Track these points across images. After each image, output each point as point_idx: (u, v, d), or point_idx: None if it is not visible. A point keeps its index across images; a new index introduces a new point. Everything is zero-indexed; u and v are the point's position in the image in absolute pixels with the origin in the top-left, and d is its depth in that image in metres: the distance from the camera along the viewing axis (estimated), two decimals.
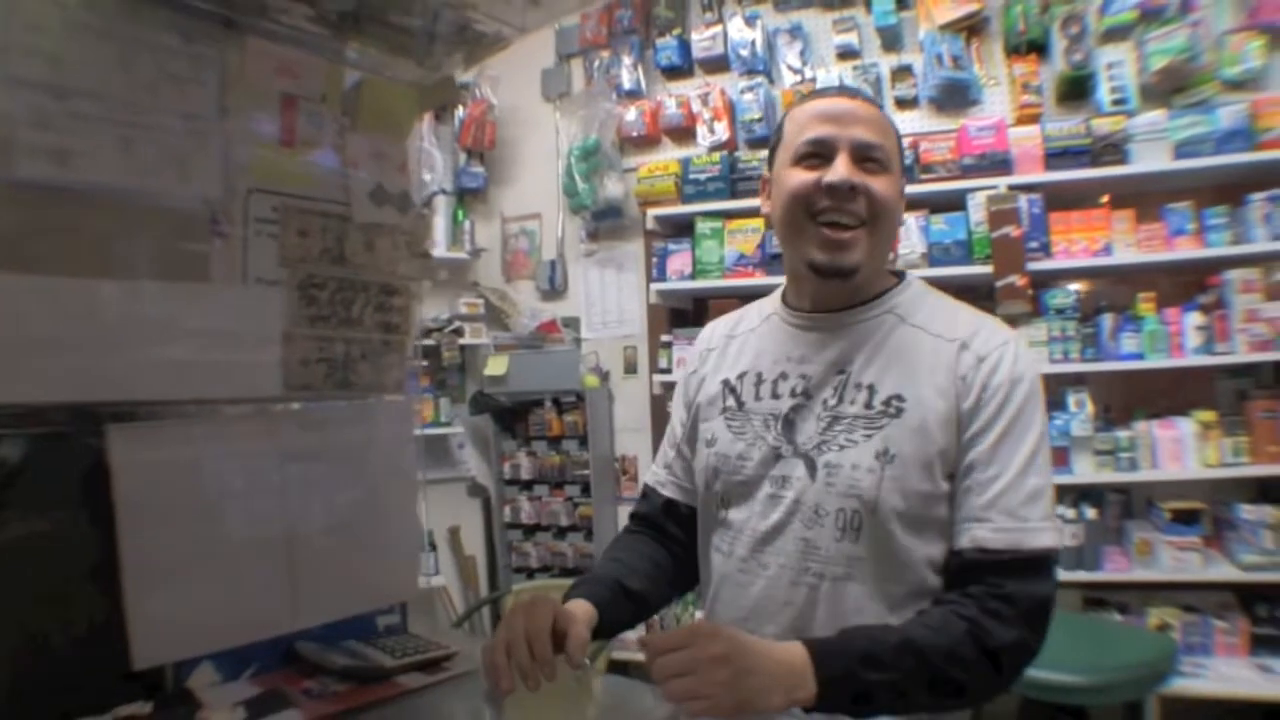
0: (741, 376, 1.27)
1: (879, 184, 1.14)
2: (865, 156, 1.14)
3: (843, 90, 1.24)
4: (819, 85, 3.58)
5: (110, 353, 0.98)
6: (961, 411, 1.11)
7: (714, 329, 1.39)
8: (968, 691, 1.04)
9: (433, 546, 3.89)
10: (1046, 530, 1.08)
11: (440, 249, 3.96)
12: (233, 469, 1.09)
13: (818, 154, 1.15)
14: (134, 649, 0.96)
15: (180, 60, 1.06)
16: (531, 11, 1.15)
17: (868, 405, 1.14)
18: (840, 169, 1.12)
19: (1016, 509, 1.07)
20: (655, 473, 1.43)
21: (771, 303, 1.32)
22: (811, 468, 1.15)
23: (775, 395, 1.21)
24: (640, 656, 1.02)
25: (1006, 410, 1.11)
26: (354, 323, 1.21)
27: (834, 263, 1.14)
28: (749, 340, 1.31)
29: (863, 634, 1.03)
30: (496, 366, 4.00)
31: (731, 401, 1.26)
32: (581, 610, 1.14)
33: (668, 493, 1.39)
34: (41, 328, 0.93)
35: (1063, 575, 3.08)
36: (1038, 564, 1.07)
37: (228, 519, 1.07)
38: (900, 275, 1.26)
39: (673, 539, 1.37)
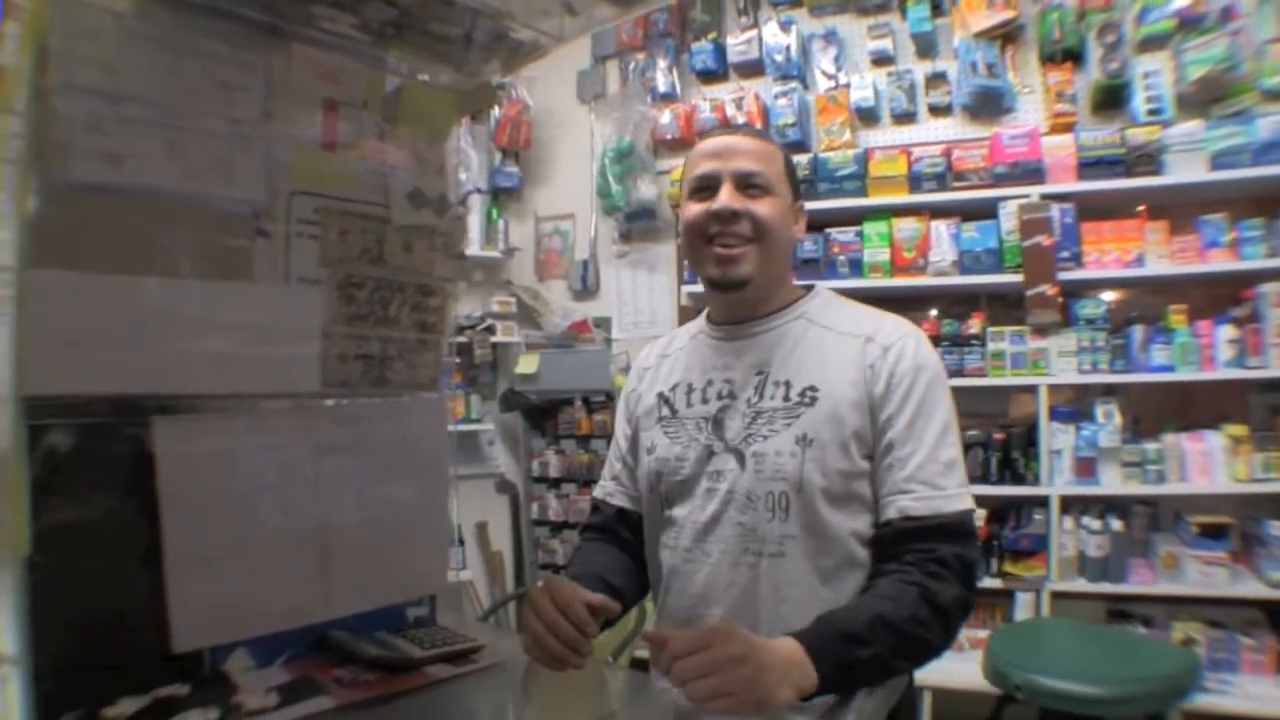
0: (674, 388, 1.40)
1: (760, 206, 1.30)
2: (747, 184, 1.31)
3: (728, 129, 1.45)
4: (851, 88, 3.60)
5: (155, 347, 1.02)
6: (873, 396, 1.25)
7: (650, 350, 1.55)
8: (930, 647, 1.17)
9: (460, 542, 3.94)
10: (962, 496, 1.23)
11: (474, 247, 4.01)
12: (271, 461, 1.12)
13: (707, 187, 1.32)
14: (174, 633, 0.99)
15: (228, 67, 1.10)
16: (568, 21, 1.17)
17: (785, 399, 1.28)
18: (723, 197, 1.29)
19: (934, 479, 1.21)
20: (604, 486, 1.54)
21: (698, 323, 1.47)
22: (741, 459, 1.28)
23: (704, 401, 1.35)
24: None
25: (915, 393, 1.25)
26: (391, 322, 1.24)
27: (727, 277, 1.31)
28: (679, 357, 1.45)
29: (837, 618, 1.13)
30: (527, 365, 4.04)
31: (666, 411, 1.39)
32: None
33: (617, 502, 1.50)
34: (90, 323, 0.97)
35: (1087, 587, 3.10)
36: (958, 526, 1.21)
37: (265, 510, 1.11)
38: (809, 287, 1.42)
39: (629, 544, 1.47)
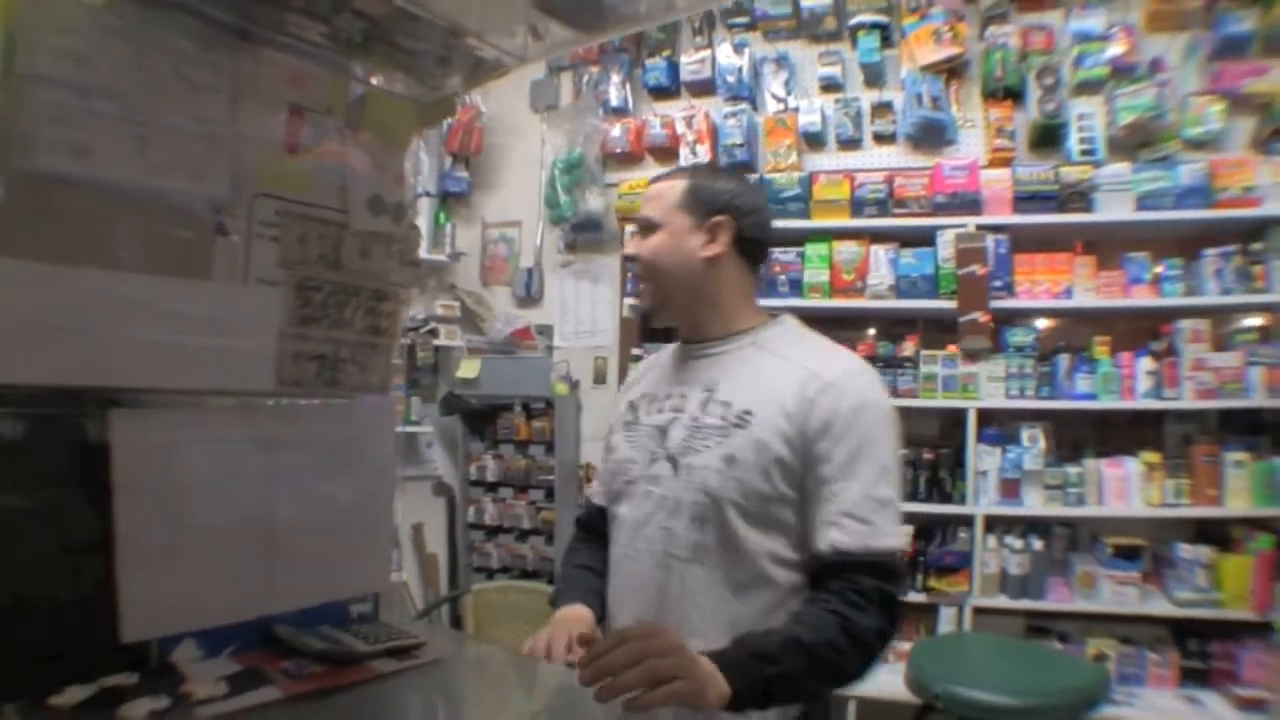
0: (641, 397, 1.52)
1: (646, 246, 1.45)
2: (641, 228, 1.48)
3: (657, 180, 1.53)
4: (800, 112, 3.69)
5: (112, 340, 1.03)
6: (808, 429, 1.30)
7: (644, 363, 1.69)
8: (844, 673, 1.23)
9: (396, 543, 3.92)
10: (893, 535, 1.28)
11: (421, 250, 4.00)
12: (223, 457, 1.14)
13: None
14: (123, 622, 1.00)
15: (197, 66, 1.11)
16: (532, 43, 1.21)
17: (723, 418, 1.36)
18: (628, 246, 1.50)
19: (867, 515, 1.26)
20: (593, 485, 1.69)
21: (676, 345, 1.58)
22: (675, 467, 1.38)
23: (660, 411, 1.46)
24: None
25: (855, 430, 1.30)
26: (345, 325, 1.26)
27: (640, 310, 1.51)
28: (654, 370, 1.59)
29: (752, 639, 1.19)
30: (469, 369, 4.05)
31: (631, 417, 1.51)
32: (588, 615, 1.44)
33: (598, 501, 1.63)
34: (44, 313, 0.97)
35: (1008, 603, 3.21)
36: (886, 563, 1.26)
37: (216, 505, 1.12)
38: (775, 314, 1.52)
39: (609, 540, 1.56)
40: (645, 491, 1.41)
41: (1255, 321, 3.19)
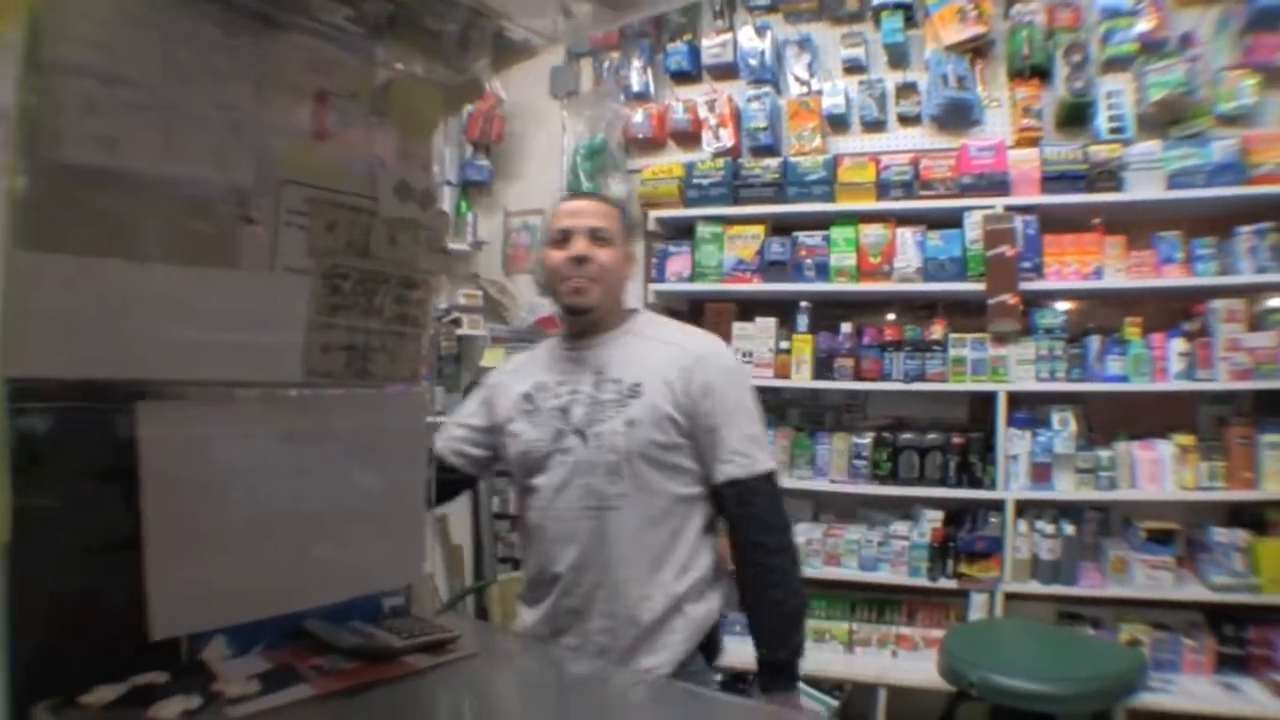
0: (534, 387, 1.80)
1: (603, 254, 1.74)
2: (595, 237, 1.75)
3: (582, 194, 1.91)
4: (823, 94, 3.63)
5: (141, 332, 1.02)
6: (692, 391, 1.68)
7: (514, 359, 2.01)
8: (795, 571, 1.75)
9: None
10: (767, 460, 1.74)
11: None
12: (252, 450, 1.12)
13: (564, 239, 1.75)
14: (152, 619, 0.99)
15: (221, 53, 1.09)
16: (562, 22, 1.19)
17: (618, 392, 1.70)
18: (578, 247, 1.73)
19: (748, 450, 1.71)
20: (439, 445, 1.92)
21: (552, 341, 1.90)
22: (583, 437, 1.69)
23: (557, 396, 1.76)
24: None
25: (726, 388, 1.72)
26: (374, 313, 1.25)
27: (577, 304, 1.75)
28: (539, 365, 1.85)
29: (770, 653, 1.71)
30: (492, 358, 4.03)
31: (529, 405, 1.79)
32: None
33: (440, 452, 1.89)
34: (74, 306, 0.96)
35: (1040, 589, 3.17)
36: (768, 480, 1.73)
37: (245, 498, 1.11)
38: (634, 311, 1.87)
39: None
40: (559, 461, 1.71)
41: None
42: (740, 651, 1.89)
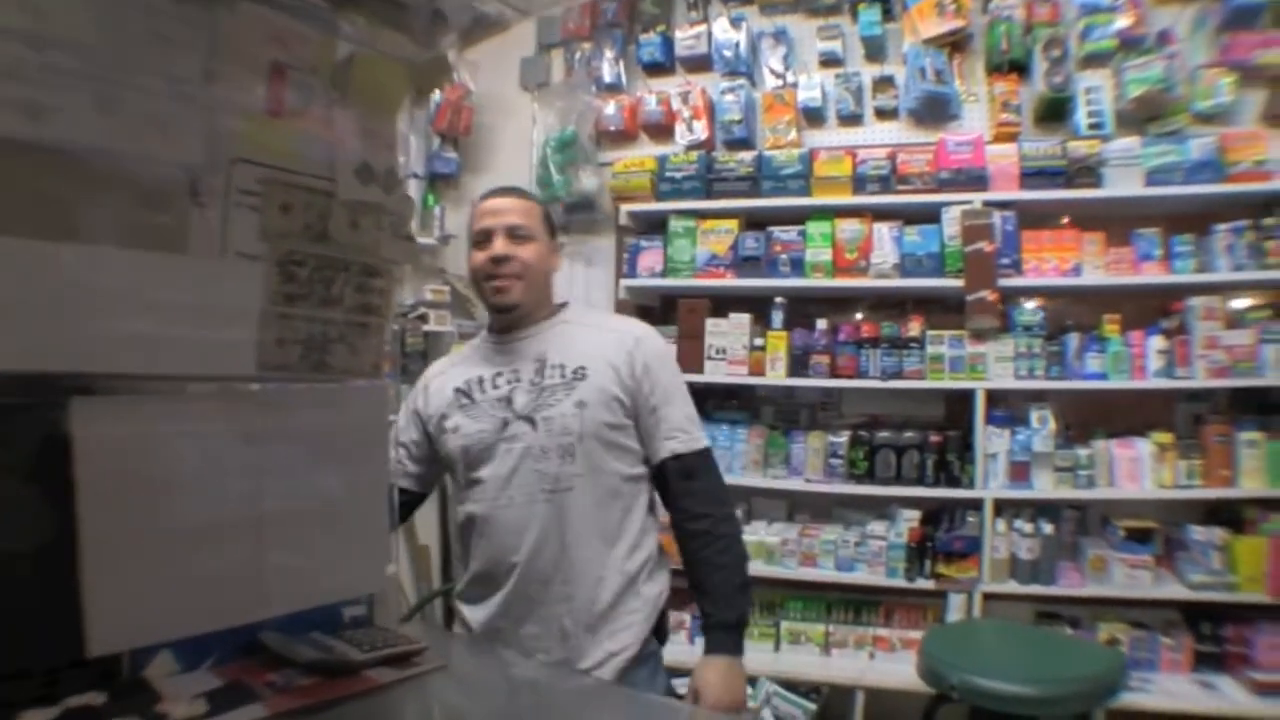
0: (468, 382, 1.84)
1: (524, 251, 1.81)
2: (513, 235, 1.80)
3: (500, 191, 1.90)
4: (799, 87, 3.59)
5: (77, 322, 0.93)
6: (635, 372, 1.78)
7: (440, 362, 2.05)
8: (747, 555, 1.86)
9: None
10: (702, 437, 1.85)
11: (413, 225, 3.89)
12: (200, 449, 1.04)
13: (485, 239, 1.82)
14: (89, 634, 0.90)
15: (168, 19, 1.01)
16: None
17: (563, 376, 1.76)
18: (498, 246, 1.79)
19: (686, 428, 1.82)
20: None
21: (479, 338, 1.96)
22: (532, 423, 1.74)
23: (495, 387, 1.81)
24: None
25: (665, 370, 1.84)
26: (333, 303, 1.16)
27: (501, 303, 1.82)
28: (468, 362, 1.90)
29: (716, 608, 1.76)
30: (451, 355, 3.94)
31: (466, 400, 1.82)
32: None
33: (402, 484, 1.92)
34: (3, 293, 0.88)
35: (1018, 588, 3.14)
36: (708, 456, 1.84)
37: (193, 501, 1.02)
38: (564, 304, 1.94)
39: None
40: (506, 450, 1.75)
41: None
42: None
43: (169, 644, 0.98)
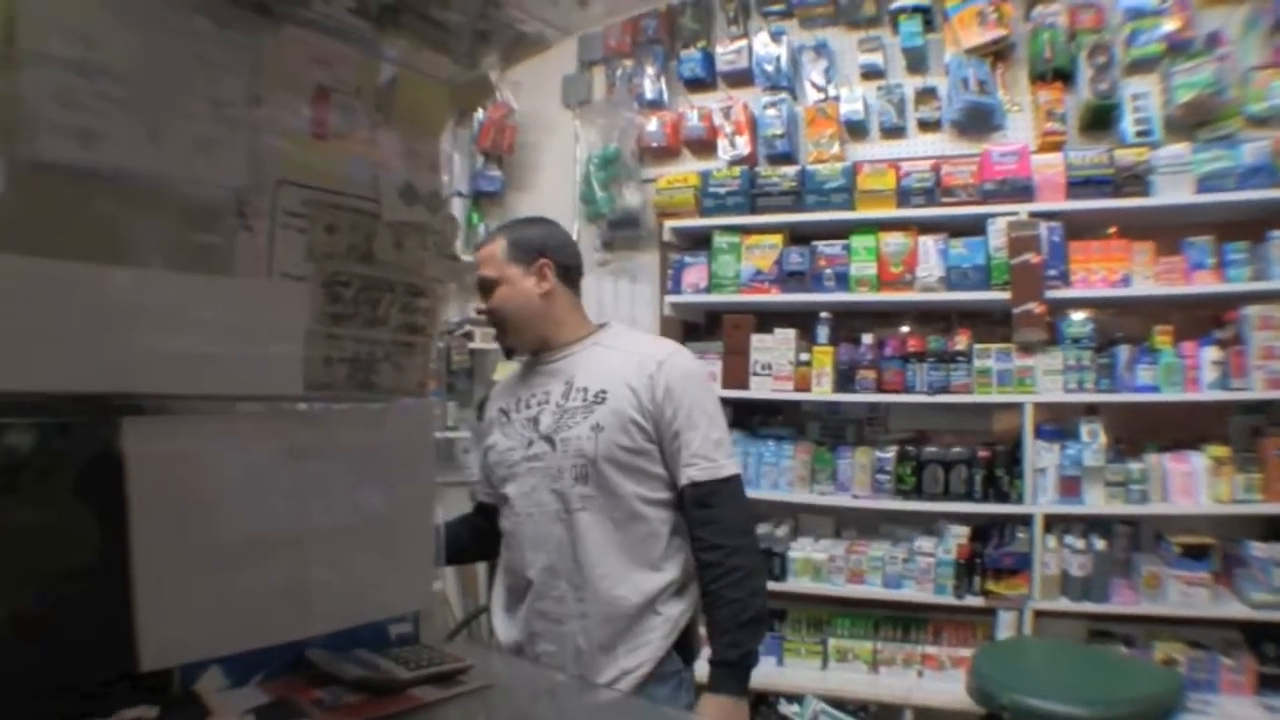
0: (509, 401, 1.91)
1: (492, 300, 1.85)
2: (483, 288, 1.87)
3: (479, 245, 1.96)
4: (841, 101, 3.58)
5: (125, 343, 0.95)
6: (656, 396, 1.75)
7: (493, 390, 2.10)
8: (759, 570, 1.80)
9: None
10: (730, 465, 1.78)
11: (457, 244, 3.93)
12: (248, 468, 1.06)
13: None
14: (142, 649, 0.92)
15: (213, 45, 1.03)
16: (576, 13, 1.12)
17: (584, 400, 1.78)
18: (479, 302, 1.90)
19: (710, 454, 1.76)
20: (474, 487, 2.11)
21: (527, 360, 1.96)
22: (552, 444, 1.78)
23: (528, 407, 1.86)
24: None
25: (689, 393, 1.78)
26: (378, 323, 1.18)
27: (502, 347, 1.98)
28: (514, 385, 1.96)
29: (718, 644, 1.71)
30: (505, 373, 3.97)
31: (504, 419, 1.89)
32: None
33: (479, 498, 2.06)
34: (54, 314, 0.90)
35: (1070, 606, 3.07)
36: (731, 484, 1.77)
37: (242, 519, 1.04)
38: (604, 325, 1.95)
39: (472, 522, 2.05)
40: (529, 469, 1.80)
41: None
42: None
43: (218, 660, 1.00)
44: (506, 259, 1.85)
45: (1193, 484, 3.04)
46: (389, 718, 0.96)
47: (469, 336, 4.01)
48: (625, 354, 1.83)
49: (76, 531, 0.93)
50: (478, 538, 2.00)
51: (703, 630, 1.81)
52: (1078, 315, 3.28)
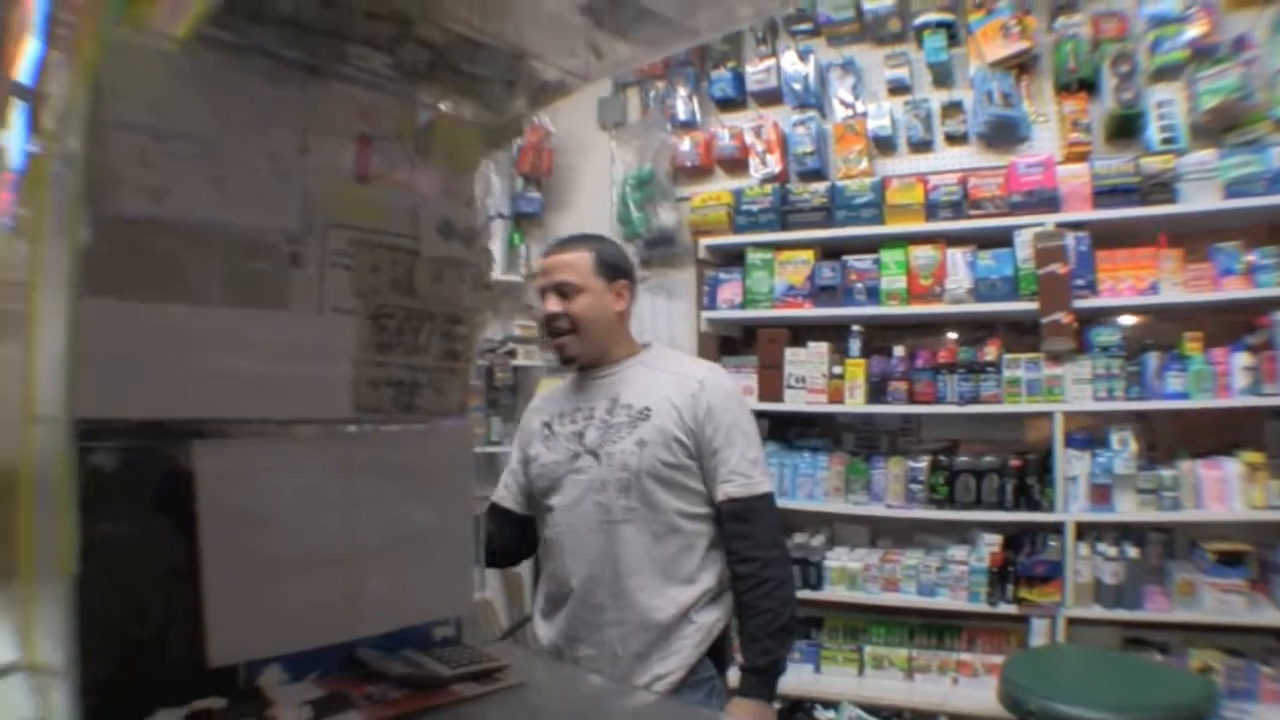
0: (553, 417, 1.98)
1: (574, 305, 1.91)
2: (561, 292, 1.91)
3: (554, 247, 2.02)
4: (868, 116, 3.63)
5: (193, 374, 1.06)
6: (698, 415, 1.85)
7: (531, 404, 2.18)
8: (788, 582, 1.87)
9: (480, 562, 3.94)
10: (765, 482, 1.89)
11: (496, 271, 4.06)
12: (304, 484, 1.15)
13: (542, 297, 1.96)
14: (211, 646, 1.02)
15: (267, 104, 1.14)
16: (594, 62, 1.21)
17: (629, 416, 1.87)
18: (549, 305, 1.93)
19: (746, 471, 1.86)
20: (497, 492, 2.14)
21: (571, 375, 2.05)
22: (597, 457, 1.86)
23: (573, 421, 1.94)
24: None
25: (729, 413, 1.88)
26: (420, 350, 1.27)
27: (560, 356, 1.98)
28: (560, 397, 2.03)
29: (750, 651, 1.81)
30: (547, 388, 4.07)
31: (547, 432, 1.97)
32: None
33: (505, 504, 2.10)
34: (134, 349, 1.00)
35: (1103, 613, 3.09)
36: (765, 501, 1.87)
37: (299, 531, 1.14)
38: (647, 345, 2.04)
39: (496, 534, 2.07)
40: (574, 481, 1.88)
41: None
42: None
43: (278, 657, 1.10)
44: (594, 270, 1.93)
45: (1226, 490, 3.04)
46: (431, 710, 1.06)
47: (512, 354, 4.12)
48: (667, 374, 1.93)
49: (152, 542, 1.04)
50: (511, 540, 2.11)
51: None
52: (1109, 323, 3.30)
